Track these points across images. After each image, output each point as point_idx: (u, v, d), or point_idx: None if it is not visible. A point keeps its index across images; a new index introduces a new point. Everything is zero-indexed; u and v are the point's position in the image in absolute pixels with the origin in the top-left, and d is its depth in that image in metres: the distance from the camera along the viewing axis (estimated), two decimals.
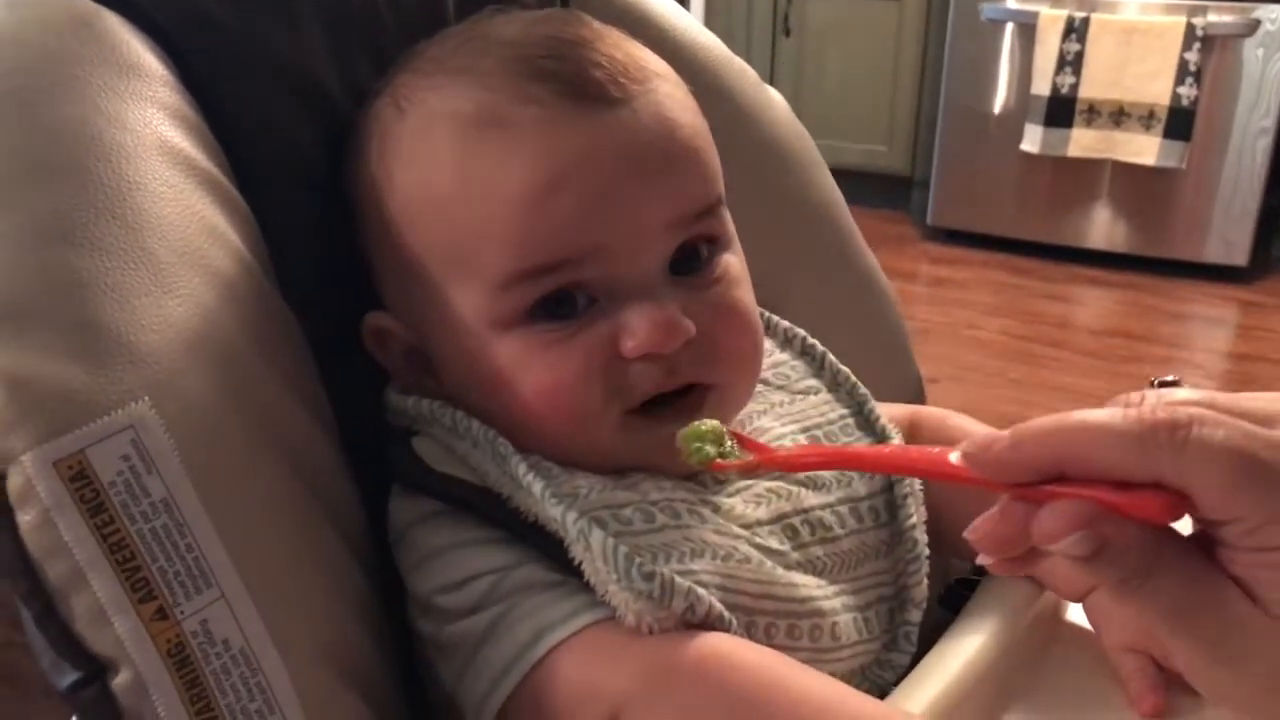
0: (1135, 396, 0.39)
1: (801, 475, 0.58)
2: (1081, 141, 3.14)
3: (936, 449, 0.42)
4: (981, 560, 0.41)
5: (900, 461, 0.48)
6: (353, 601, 0.54)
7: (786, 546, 0.55)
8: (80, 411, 0.44)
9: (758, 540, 0.54)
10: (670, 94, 0.56)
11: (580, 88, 0.53)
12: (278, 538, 0.50)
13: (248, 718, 0.45)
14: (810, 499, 0.57)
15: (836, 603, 0.55)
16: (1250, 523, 0.36)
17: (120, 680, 0.44)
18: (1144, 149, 3.07)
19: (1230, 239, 3.16)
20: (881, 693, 0.55)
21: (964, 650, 0.55)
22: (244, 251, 0.55)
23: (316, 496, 0.54)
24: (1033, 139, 3.19)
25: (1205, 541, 0.38)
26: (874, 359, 0.77)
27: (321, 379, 0.59)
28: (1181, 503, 0.37)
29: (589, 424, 0.54)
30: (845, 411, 0.64)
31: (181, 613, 0.44)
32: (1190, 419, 0.36)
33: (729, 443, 0.52)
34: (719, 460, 0.51)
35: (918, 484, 0.61)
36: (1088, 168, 3.22)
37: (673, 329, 0.53)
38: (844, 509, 0.58)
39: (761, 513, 0.56)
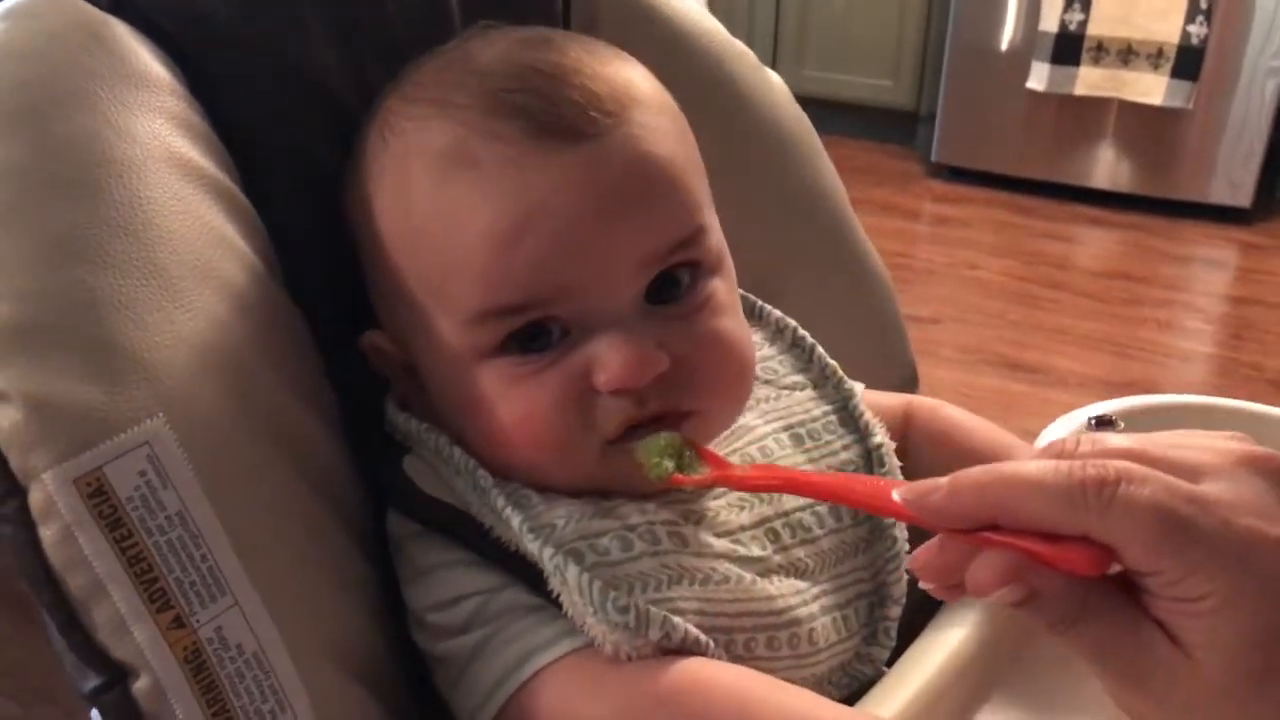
0: (1070, 443, 0.41)
1: None
2: (1088, 80, 3.11)
3: (884, 482, 0.45)
4: (923, 585, 0.43)
5: (846, 494, 0.49)
6: (359, 598, 0.56)
7: (768, 551, 0.56)
8: (98, 430, 0.46)
9: (739, 551, 0.55)
10: (647, 123, 0.54)
11: (549, 125, 0.51)
12: (286, 540, 0.52)
13: (261, 719, 0.48)
14: (791, 501, 0.58)
15: (815, 606, 0.57)
16: (1171, 576, 0.38)
17: (140, 685, 0.46)
18: (1151, 88, 3.04)
19: (1235, 180, 3.14)
20: (861, 687, 0.57)
21: (944, 644, 0.57)
22: (252, 257, 0.56)
23: (323, 495, 0.56)
24: (1039, 77, 3.15)
25: (1131, 584, 0.40)
26: (868, 348, 0.78)
27: (329, 377, 0.61)
28: (1107, 555, 0.39)
29: (566, 453, 0.54)
30: (829, 408, 0.64)
31: (197, 621, 0.47)
32: (1118, 475, 0.38)
33: (688, 453, 0.53)
34: (678, 475, 0.53)
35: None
36: (1094, 106, 3.19)
37: (645, 363, 0.52)
38: (823, 509, 0.59)
39: (744, 518, 0.57)
